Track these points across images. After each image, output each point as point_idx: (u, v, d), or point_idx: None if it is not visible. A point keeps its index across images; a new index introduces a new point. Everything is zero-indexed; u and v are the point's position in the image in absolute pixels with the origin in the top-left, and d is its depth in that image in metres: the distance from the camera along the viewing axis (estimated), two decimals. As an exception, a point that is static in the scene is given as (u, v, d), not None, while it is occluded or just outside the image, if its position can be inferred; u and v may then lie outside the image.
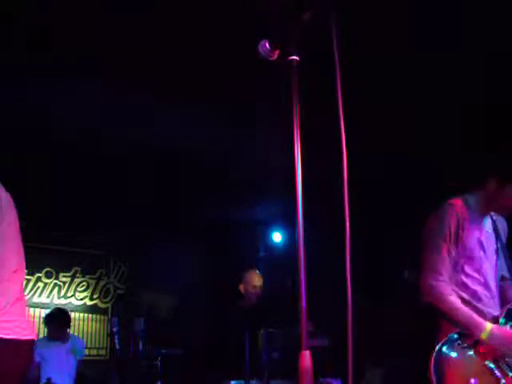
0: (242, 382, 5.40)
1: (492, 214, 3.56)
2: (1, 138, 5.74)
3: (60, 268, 8.65)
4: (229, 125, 5.92)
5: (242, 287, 6.18)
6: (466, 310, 3.25)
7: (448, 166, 5.98)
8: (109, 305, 8.99)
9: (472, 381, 3.11)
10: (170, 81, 5.33)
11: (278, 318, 5.99)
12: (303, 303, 2.04)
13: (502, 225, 3.63)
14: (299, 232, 2.15)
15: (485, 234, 3.46)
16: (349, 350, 2.05)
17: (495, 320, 3.32)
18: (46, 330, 7.07)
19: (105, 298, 9.00)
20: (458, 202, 3.44)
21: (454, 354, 3.21)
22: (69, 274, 8.75)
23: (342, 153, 2.22)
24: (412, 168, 6.43)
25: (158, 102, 5.58)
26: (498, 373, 3.16)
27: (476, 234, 3.40)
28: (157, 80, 5.30)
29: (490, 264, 3.43)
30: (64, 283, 8.67)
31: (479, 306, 3.33)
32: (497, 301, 3.44)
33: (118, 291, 9.08)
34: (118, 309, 8.88)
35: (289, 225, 8.40)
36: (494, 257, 3.48)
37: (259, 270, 6.44)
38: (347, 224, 2.13)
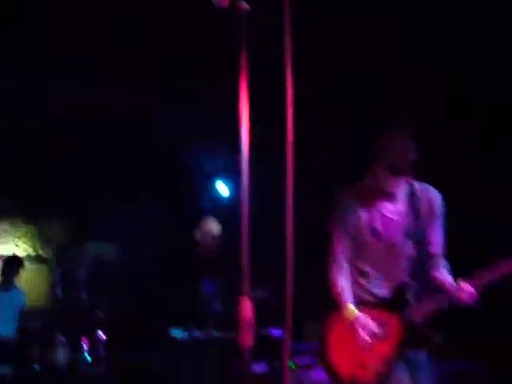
0: (183, 330, 5.44)
1: (416, 191, 3.59)
2: None
3: (1, 216, 8.52)
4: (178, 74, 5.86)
5: (197, 235, 6.07)
6: (339, 291, 3.62)
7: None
8: (51, 254, 8.92)
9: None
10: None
11: (222, 270, 6.03)
12: (245, 255, 2.05)
13: (429, 200, 3.61)
14: (244, 185, 2.15)
15: (381, 219, 3.56)
16: (288, 301, 2.07)
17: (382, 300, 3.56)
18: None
19: (48, 247, 8.91)
20: (348, 190, 3.64)
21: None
22: (10, 222, 8.63)
23: (287, 109, 2.21)
24: (363, 129, 6.46)
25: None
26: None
27: (367, 220, 3.55)
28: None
29: (387, 248, 3.56)
30: (5, 231, 8.56)
31: (367, 286, 3.59)
32: (391, 282, 3.58)
33: (61, 241, 9.00)
34: (61, 259, 8.81)
35: (236, 178, 8.39)
36: (400, 239, 3.56)
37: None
38: (290, 176, 2.14)
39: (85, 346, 6.06)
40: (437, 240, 3.59)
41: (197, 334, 5.51)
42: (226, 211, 8.22)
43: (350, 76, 5.89)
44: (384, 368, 3.37)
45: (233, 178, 8.47)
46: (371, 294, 3.58)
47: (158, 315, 6.06)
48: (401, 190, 3.52)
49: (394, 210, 3.56)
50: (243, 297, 2.10)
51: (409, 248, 3.55)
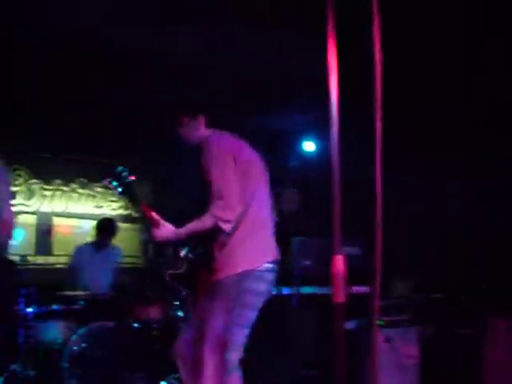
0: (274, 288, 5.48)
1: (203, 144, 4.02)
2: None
3: (93, 179, 8.74)
4: (260, 30, 5.80)
5: (279, 206, 6.32)
6: None
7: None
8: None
9: None
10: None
11: (311, 227, 6.02)
12: (337, 210, 2.03)
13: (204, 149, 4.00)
14: (334, 140, 2.13)
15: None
16: (377, 258, 2.05)
17: None
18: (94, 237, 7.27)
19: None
20: None
21: None
22: (102, 184, 8.84)
23: (375, 60, 2.16)
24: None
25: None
26: None
27: None
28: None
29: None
30: (98, 193, 8.78)
31: None
32: None
33: (149, 201, 9.16)
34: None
35: (321, 134, 8.31)
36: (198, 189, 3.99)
37: (291, 180, 6.48)
38: (378, 128, 2.10)
39: (176, 304, 6.19)
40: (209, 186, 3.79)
41: (286, 290, 5.55)
42: (313, 168, 8.21)
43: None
44: None
45: (319, 134, 8.41)
46: None
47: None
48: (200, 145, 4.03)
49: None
50: (335, 254, 2.09)
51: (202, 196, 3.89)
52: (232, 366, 3.68)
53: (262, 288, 3.79)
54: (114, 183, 4.05)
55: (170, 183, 8.52)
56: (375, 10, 2.20)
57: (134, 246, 9.02)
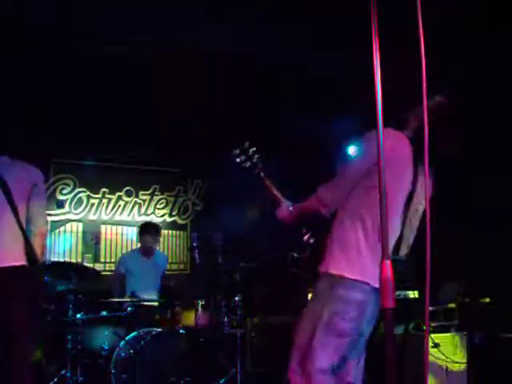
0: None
1: None
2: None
3: (139, 186, 8.82)
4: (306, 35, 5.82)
5: None
6: None
7: None
8: (188, 221, 9.17)
9: None
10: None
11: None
12: (384, 215, 2.03)
13: None
14: (379, 145, 2.13)
15: None
16: (427, 262, 2.04)
17: None
18: (138, 243, 7.39)
19: (184, 214, 9.16)
20: None
21: None
22: (148, 192, 8.93)
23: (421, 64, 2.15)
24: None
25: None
26: None
27: None
28: None
29: None
30: (144, 201, 8.86)
31: None
32: None
33: (196, 208, 9.24)
34: (196, 224, 9.02)
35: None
36: None
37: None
38: (426, 132, 2.09)
39: (223, 310, 6.22)
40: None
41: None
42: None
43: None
44: None
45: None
46: None
47: (293, 281, 6.12)
48: None
49: None
50: (383, 259, 2.08)
51: None
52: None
53: (359, 297, 3.18)
54: (242, 157, 4.06)
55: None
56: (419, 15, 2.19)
57: (179, 252, 9.08)
